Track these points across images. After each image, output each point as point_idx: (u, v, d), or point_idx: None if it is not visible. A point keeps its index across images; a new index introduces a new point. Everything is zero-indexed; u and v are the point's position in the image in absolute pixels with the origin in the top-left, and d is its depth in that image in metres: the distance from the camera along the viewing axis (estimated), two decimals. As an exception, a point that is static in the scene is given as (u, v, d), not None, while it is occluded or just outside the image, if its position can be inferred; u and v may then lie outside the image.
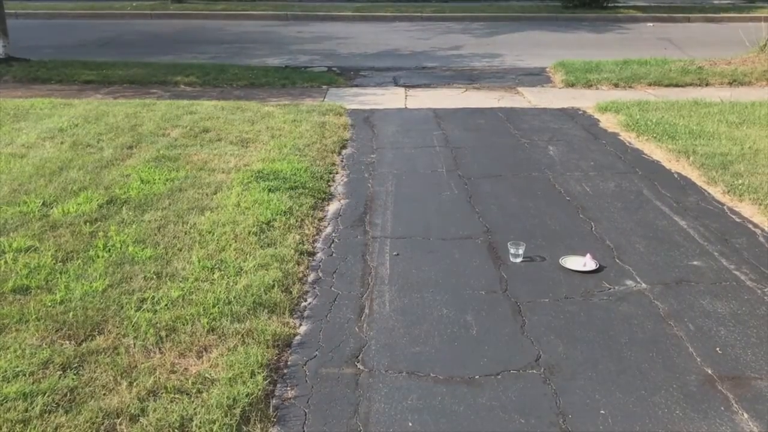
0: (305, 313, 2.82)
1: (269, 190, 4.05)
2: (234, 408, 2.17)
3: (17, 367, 2.34)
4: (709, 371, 2.43)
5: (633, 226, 3.74)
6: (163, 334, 2.56)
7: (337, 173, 4.66)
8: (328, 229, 3.70)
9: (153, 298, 2.81)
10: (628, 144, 5.40)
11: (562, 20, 14.32)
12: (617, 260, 3.32)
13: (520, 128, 5.87)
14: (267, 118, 5.91)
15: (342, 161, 4.94)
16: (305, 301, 2.92)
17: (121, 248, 3.27)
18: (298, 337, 2.64)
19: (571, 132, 5.76)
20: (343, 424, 2.15)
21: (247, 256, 3.22)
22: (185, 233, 3.47)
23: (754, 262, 3.30)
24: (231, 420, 2.11)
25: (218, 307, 2.74)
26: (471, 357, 2.51)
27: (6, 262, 3.12)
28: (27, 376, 2.30)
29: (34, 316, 2.66)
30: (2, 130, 5.41)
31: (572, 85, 7.76)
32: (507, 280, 3.12)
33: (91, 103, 6.49)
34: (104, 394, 2.22)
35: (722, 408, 2.24)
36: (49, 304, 2.75)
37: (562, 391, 2.32)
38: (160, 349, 2.47)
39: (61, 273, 3.02)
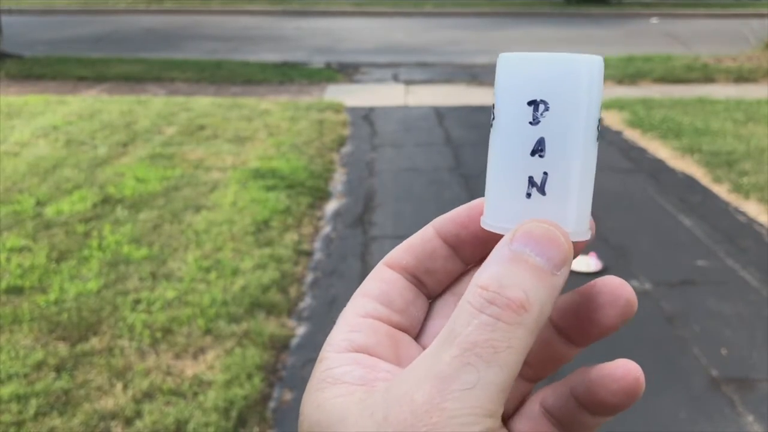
0: (303, 315, 2.77)
1: (266, 189, 4.00)
2: (231, 410, 2.13)
3: (11, 368, 2.30)
4: (715, 373, 2.40)
5: (637, 226, 3.70)
6: (158, 335, 2.51)
7: (335, 171, 4.61)
8: (327, 229, 3.65)
9: (148, 298, 2.77)
10: (632, 142, 5.35)
11: (565, 16, 14.27)
12: (621, 260, 3.28)
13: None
14: (264, 116, 5.86)
15: (341, 159, 4.89)
16: (303, 302, 2.88)
17: (115, 248, 3.23)
18: (296, 339, 2.60)
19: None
20: (342, 429, 2.11)
21: (244, 256, 3.17)
22: (181, 233, 3.42)
23: (760, 262, 3.26)
24: (227, 423, 2.07)
25: (214, 308, 2.69)
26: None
27: (-1, 262, 3.08)
28: (21, 377, 2.26)
29: (27, 317, 2.61)
30: (-3, 127, 5.36)
31: (575, 82, 7.70)
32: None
33: (85, 100, 6.43)
34: (99, 397, 2.18)
35: (727, 410, 2.20)
36: (43, 304, 2.71)
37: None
38: (155, 351, 2.43)
39: (55, 273, 2.98)
